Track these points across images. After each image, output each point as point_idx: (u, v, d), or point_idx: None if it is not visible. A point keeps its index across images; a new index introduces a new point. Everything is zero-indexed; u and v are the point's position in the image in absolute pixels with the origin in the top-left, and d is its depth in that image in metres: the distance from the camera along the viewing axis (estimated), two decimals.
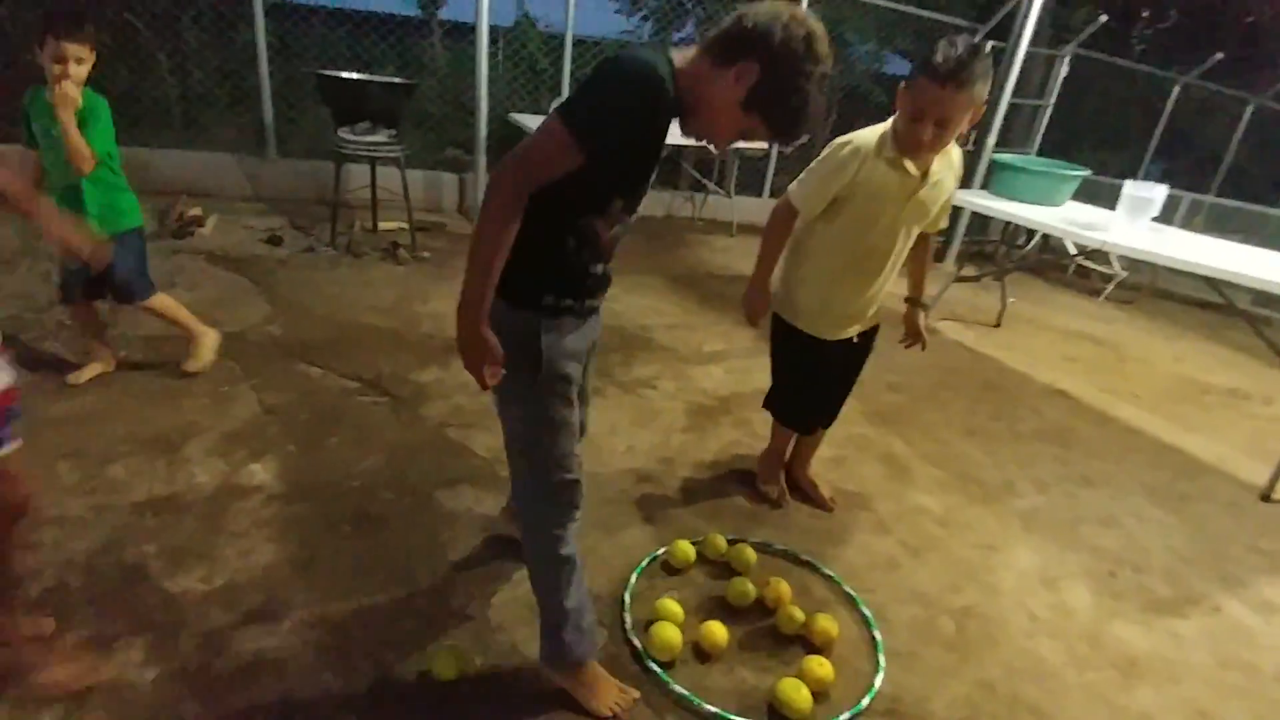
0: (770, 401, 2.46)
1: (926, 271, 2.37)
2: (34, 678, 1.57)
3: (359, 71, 4.79)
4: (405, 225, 4.62)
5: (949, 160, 2.04)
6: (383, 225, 4.77)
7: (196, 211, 4.38)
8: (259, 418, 2.61)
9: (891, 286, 2.22)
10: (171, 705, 1.57)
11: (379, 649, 1.76)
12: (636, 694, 1.71)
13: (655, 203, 6.30)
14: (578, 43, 5.83)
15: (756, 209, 6.25)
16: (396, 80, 4.42)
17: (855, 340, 2.27)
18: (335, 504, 2.23)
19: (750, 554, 2.16)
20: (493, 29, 4.95)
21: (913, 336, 2.38)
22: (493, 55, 5.23)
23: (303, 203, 5.02)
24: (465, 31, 5.28)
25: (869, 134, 1.98)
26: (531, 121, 5.23)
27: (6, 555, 1.53)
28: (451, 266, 4.34)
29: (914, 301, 2.36)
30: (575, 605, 1.61)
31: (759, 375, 3.32)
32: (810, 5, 5.76)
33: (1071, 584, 2.36)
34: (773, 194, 6.37)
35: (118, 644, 1.68)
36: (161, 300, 2.72)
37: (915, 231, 2.12)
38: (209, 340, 2.84)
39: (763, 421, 2.52)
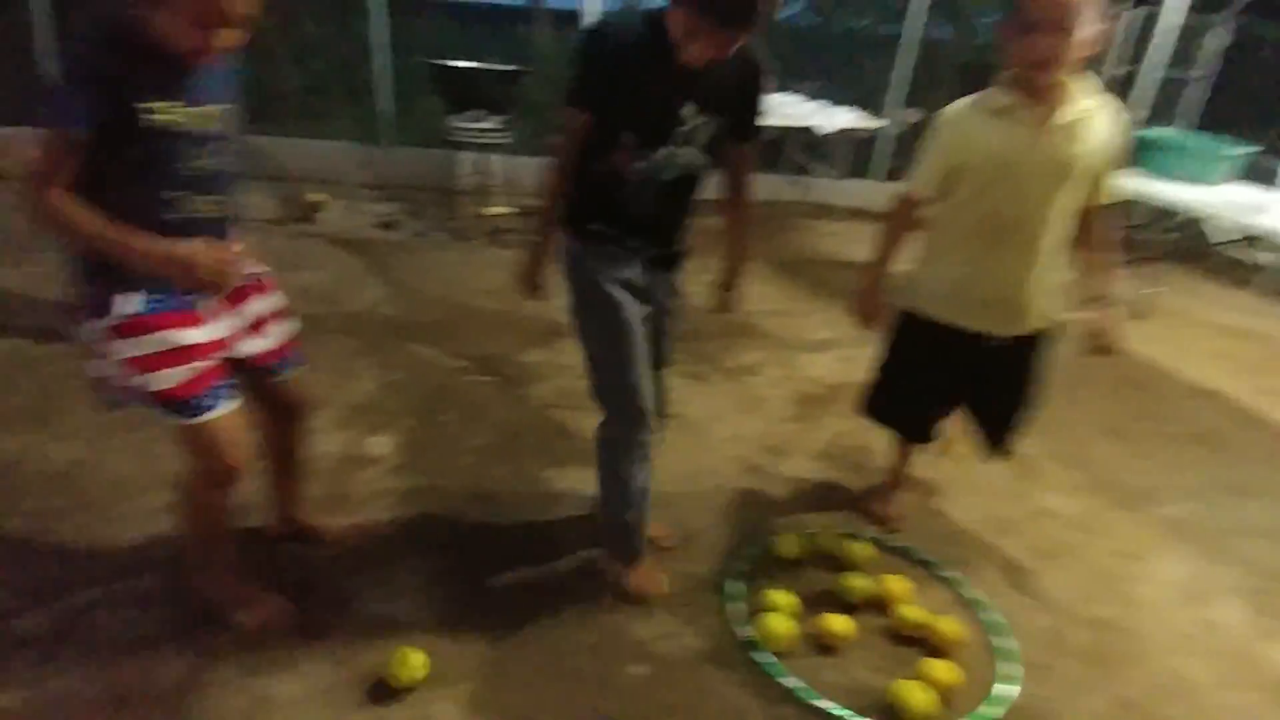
0: (865, 400, 2.20)
1: (1104, 257, 1.94)
2: (237, 617, 1.68)
3: (467, 61, 4.89)
4: (512, 210, 4.71)
5: (1084, 106, 1.75)
6: (490, 210, 4.88)
7: (318, 197, 4.61)
8: (377, 393, 2.71)
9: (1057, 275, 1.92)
10: (299, 659, 1.64)
11: (493, 621, 1.79)
12: (665, 586, 1.90)
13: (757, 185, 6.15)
14: None
15: (866, 192, 5.99)
16: (507, 68, 4.50)
17: (995, 343, 1.93)
18: (449, 478, 2.29)
19: (864, 549, 2.07)
20: (595, 14, 4.95)
21: (1093, 345, 1.96)
22: None
23: (414, 189, 5.19)
24: (570, 18, 5.31)
25: (964, 99, 1.85)
26: None
27: (218, 518, 1.61)
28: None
29: (1093, 298, 1.95)
30: (631, 521, 1.83)
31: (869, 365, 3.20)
32: None
33: (1221, 599, 2.15)
34: (889, 176, 6.08)
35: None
36: None
37: (1065, 198, 1.80)
38: None
39: None
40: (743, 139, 1.75)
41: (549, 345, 3.16)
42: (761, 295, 4.03)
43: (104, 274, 1.38)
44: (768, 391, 3.03)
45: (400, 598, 1.83)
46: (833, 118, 5.20)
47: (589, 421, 2.71)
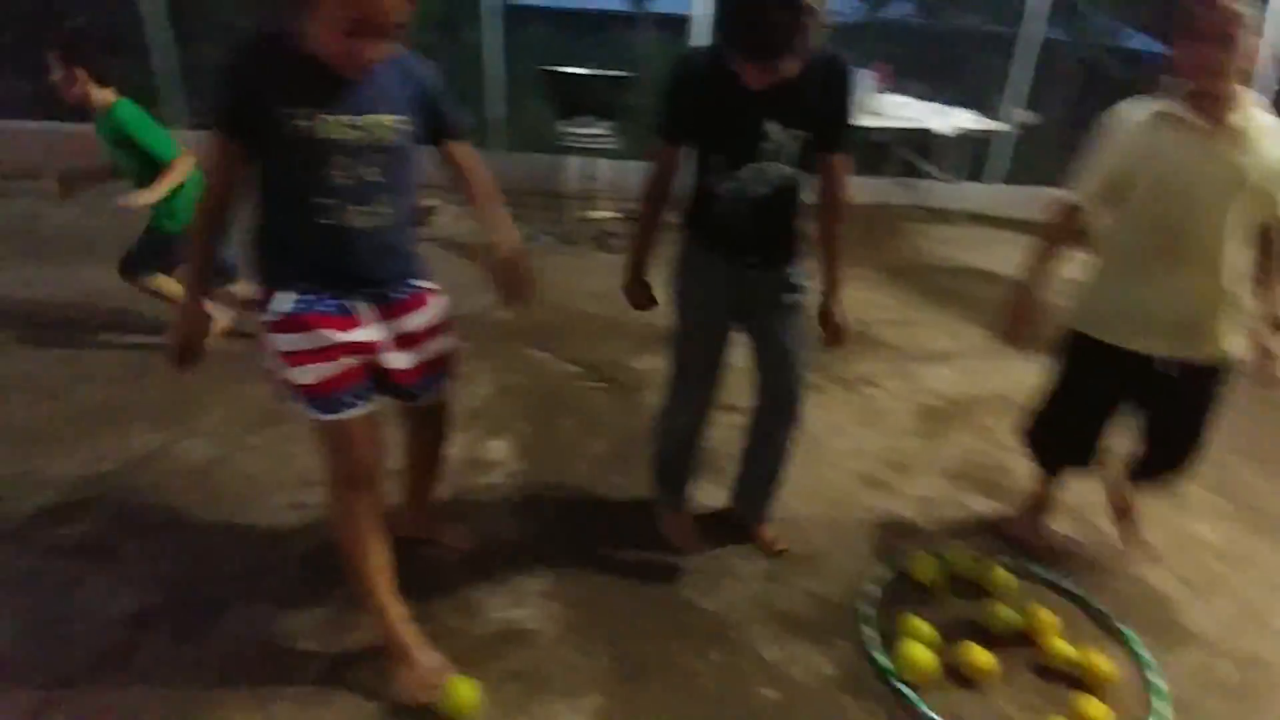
0: (1031, 434, 2.09)
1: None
2: (396, 681, 1.57)
3: (577, 67, 4.95)
4: (617, 215, 4.74)
5: (1255, 118, 1.68)
6: (595, 214, 4.93)
7: (431, 202, 4.76)
8: (495, 397, 2.77)
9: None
10: None
11: (616, 633, 1.79)
12: (690, 550, 2.04)
13: (862, 189, 5.96)
14: None
15: (982, 196, 5.73)
16: (615, 74, 4.53)
17: (1166, 369, 1.81)
18: (567, 485, 2.32)
19: (1007, 577, 1.96)
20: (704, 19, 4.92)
21: (1259, 368, 1.82)
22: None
23: (523, 193, 5.30)
24: (675, 23, 5.30)
25: (1132, 101, 1.78)
26: None
27: (362, 529, 1.52)
28: (659, 255, 4.40)
29: (1266, 322, 1.81)
30: (658, 458, 2.09)
31: (996, 378, 3.05)
32: None
33: None
34: (1008, 179, 5.80)
35: None
36: (149, 282, 2.86)
37: (1239, 213, 1.70)
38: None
39: (1006, 429, 2.28)
40: (830, 150, 1.69)
41: (659, 352, 3.14)
42: (877, 303, 3.91)
43: (265, 271, 1.46)
44: (888, 404, 2.93)
45: (524, 605, 1.85)
46: (951, 119, 5.00)
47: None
